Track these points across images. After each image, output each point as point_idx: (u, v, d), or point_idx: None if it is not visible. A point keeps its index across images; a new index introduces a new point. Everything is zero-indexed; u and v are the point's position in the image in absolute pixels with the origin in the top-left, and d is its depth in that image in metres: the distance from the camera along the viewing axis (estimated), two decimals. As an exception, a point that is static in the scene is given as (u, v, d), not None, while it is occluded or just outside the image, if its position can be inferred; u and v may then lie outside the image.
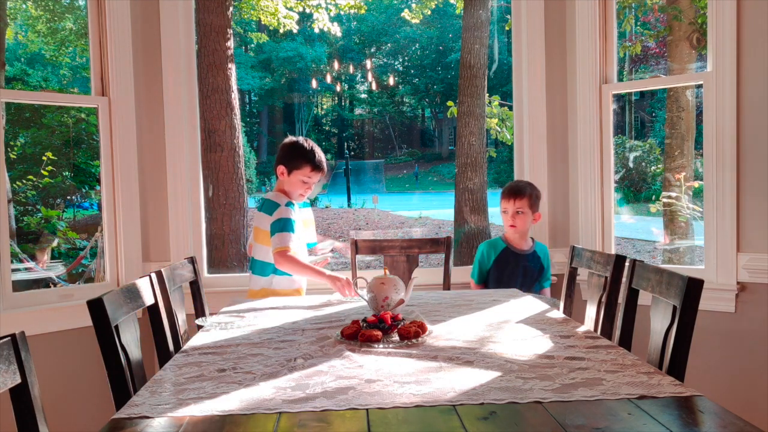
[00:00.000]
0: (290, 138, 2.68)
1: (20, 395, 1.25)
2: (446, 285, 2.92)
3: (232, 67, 6.41)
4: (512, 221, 2.85)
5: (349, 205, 17.30)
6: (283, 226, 2.53)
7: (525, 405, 1.24)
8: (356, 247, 2.98)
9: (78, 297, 2.92)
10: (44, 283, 6.12)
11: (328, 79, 22.56)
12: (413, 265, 2.95)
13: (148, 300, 1.94)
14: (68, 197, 7.94)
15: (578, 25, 3.15)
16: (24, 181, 7.30)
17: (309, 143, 2.64)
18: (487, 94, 7.63)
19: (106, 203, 3.04)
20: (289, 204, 2.59)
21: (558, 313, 2.10)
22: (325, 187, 22.06)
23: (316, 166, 2.62)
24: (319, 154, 2.65)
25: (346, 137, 27.71)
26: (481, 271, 2.92)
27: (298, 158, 2.61)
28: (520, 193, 2.86)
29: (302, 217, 2.72)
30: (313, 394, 1.33)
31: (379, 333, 1.73)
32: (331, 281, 2.45)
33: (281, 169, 2.64)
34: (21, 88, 9.54)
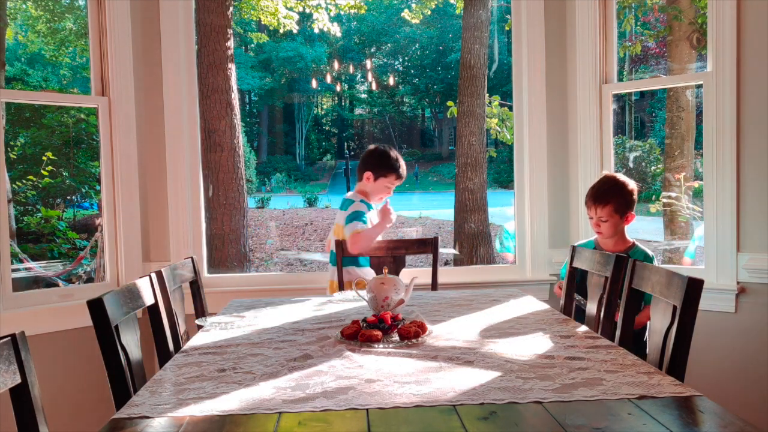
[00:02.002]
0: (379, 147, 2.96)
1: (20, 395, 1.25)
2: (434, 286, 2.90)
3: (232, 67, 6.41)
4: (597, 229, 2.57)
5: (349, 205, 17.24)
6: (355, 217, 2.81)
7: (525, 405, 1.24)
8: (342, 248, 2.94)
9: (78, 297, 2.92)
10: (44, 282, 6.12)
11: (328, 79, 22.55)
12: (401, 266, 2.92)
13: (148, 300, 1.94)
14: (68, 197, 7.93)
15: (578, 25, 3.15)
16: (24, 181, 7.30)
17: (395, 153, 2.93)
18: (487, 94, 7.62)
19: (106, 203, 3.04)
20: (362, 201, 2.88)
21: (558, 313, 2.10)
22: (325, 187, 22.07)
23: (401, 175, 2.91)
24: (403, 164, 2.94)
25: (346, 137, 27.70)
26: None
27: (386, 167, 2.88)
28: (602, 200, 2.51)
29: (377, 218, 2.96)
30: (313, 394, 1.33)
31: (379, 333, 1.73)
32: (382, 219, 2.81)
33: (368, 174, 2.89)
34: (21, 88, 9.54)
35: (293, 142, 25.11)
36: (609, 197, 2.50)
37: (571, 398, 1.27)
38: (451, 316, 2.07)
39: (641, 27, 6.72)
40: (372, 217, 2.88)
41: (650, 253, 2.54)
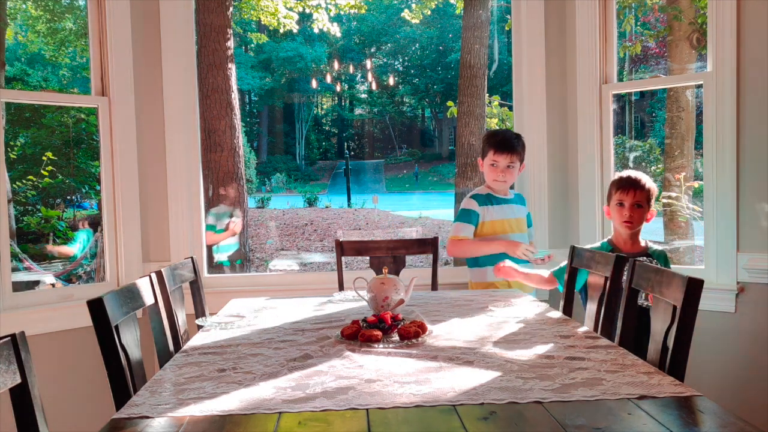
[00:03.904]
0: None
1: (20, 395, 1.25)
2: (434, 286, 2.90)
3: (232, 67, 6.42)
4: (629, 216, 2.41)
5: (349, 205, 17.30)
6: (459, 218, 2.71)
7: (525, 405, 1.24)
8: (341, 248, 2.93)
9: (78, 297, 2.92)
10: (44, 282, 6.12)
11: (328, 79, 22.57)
12: (400, 266, 2.92)
13: (148, 300, 1.94)
14: (68, 197, 7.93)
15: (578, 25, 3.15)
16: (24, 181, 7.30)
17: (496, 129, 2.73)
18: (487, 94, 7.62)
19: (106, 203, 3.04)
20: (473, 196, 2.75)
21: (558, 313, 2.10)
22: (325, 187, 22.08)
23: (497, 147, 2.63)
24: (504, 135, 2.70)
25: (346, 137, 27.73)
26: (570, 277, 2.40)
27: (483, 146, 2.76)
28: (640, 184, 2.43)
29: (506, 213, 2.77)
30: (313, 394, 1.33)
31: (379, 333, 1.73)
32: (506, 247, 2.62)
33: (479, 161, 2.80)
34: (21, 88, 9.54)
35: (293, 142, 25.14)
36: (645, 183, 2.46)
37: (571, 398, 1.27)
38: (451, 316, 2.07)
39: (641, 27, 6.72)
40: (488, 213, 2.70)
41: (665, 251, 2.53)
